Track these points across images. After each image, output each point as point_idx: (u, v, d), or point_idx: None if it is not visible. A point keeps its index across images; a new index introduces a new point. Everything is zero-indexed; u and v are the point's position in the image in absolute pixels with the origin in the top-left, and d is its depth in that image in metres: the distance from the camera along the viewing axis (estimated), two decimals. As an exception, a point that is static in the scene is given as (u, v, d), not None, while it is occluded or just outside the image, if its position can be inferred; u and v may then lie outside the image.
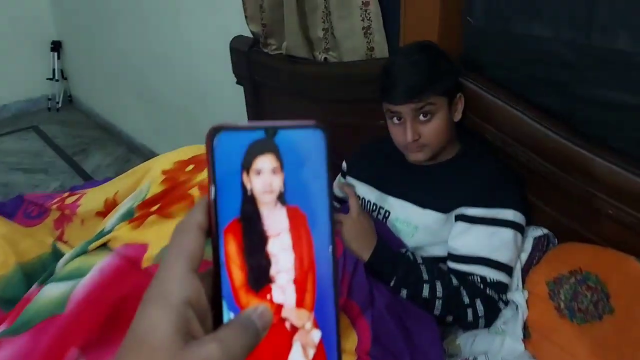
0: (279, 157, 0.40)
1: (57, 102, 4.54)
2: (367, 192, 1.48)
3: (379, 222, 1.37)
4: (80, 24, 4.02)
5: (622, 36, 1.24)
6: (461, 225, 1.30)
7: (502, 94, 1.40)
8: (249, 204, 0.39)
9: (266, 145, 0.39)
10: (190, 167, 1.17)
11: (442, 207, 1.32)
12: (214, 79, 2.62)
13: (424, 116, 1.30)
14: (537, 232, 1.37)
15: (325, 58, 1.91)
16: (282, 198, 0.40)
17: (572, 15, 1.32)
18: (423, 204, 1.35)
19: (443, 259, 1.34)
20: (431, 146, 1.34)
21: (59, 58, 4.47)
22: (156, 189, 1.13)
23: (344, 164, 1.63)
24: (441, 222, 1.33)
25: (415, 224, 1.35)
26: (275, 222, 0.40)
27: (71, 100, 4.66)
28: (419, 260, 1.26)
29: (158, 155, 3.34)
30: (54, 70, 4.46)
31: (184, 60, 2.86)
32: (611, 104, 1.30)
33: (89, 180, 1.66)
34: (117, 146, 3.86)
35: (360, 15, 1.74)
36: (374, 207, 1.45)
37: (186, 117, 3.09)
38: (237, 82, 2.31)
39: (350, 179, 1.56)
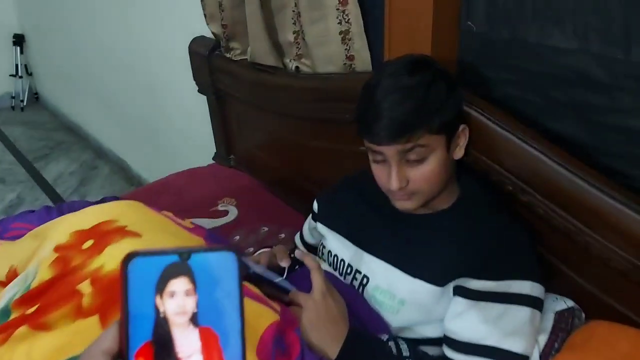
0: (192, 280, 0.41)
1: (22, 101, 4.20)
2: (339, 247, 1.17)
3: (351, 293, 1.06)
4: (43, 16, 3.67)
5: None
6: (461, 302, 0.99)
7: (512, 124, 1.08)
8: (162, 326, 0.41)
9: (180, 268, 0.41)
10: (89, 243, 0.87)
11: (438, 277, 1.01)
12: (174, 87, 2.29)
13: (414, 159, 0.99)
14: (559, 304, 1.06)
15: (297, 67, 1.59)
16: (195, 319, 0.41)
17: (605, 22, 1.00)
18: (413, 272, 1.04)
19: (437, 341, 1.04)
20: (422, 194, 1.03)
21: (22, 53, 4.12)
22: (44, 274, 0.83)
23: (315, 203, 1.32)
24: (436, 296, 1.02)
25: (402, 298, 1.04)
26: (188, 344, 0.41)
27: (37, 99, 4.32)
28: (405, 353, 0.96)
29: (126, 161, 3.11)
30: (17, 65, 4.12)
31: (142, 64, 2.53)
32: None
33: (24, 214, 1.39)
34: (83, 151, 3.53)
35: (337, 18, 1.42)
36: (348, 269, 1.14)
37: (147, 127, 2.76)
38: (199, 91, 1.99)
39: (321, 227, 1.25)
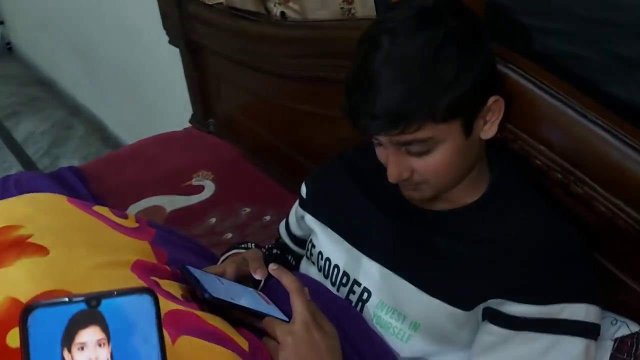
0: (104, 328, 0.38)
1: (-7, 52, 3.87)
2: (332, 247, 0.90)
3: (346, 313, 0.81)
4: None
5: None
6: (496, 331, 0.74)
7: (565, 89, 0.80)
8: None
9: (89, 316, 0.38)
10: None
11: (462, 297, 0.76)
12: (148, 37, 1.97)
13: (416, 151, 0.73)
14: (618, 329, 0.81)
15: (283, 13, 1.29)
16: None
17: None
18: (431, 289, 0.78)
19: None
20: (432, 185, 0.77)
21: (-9, -1, 3.76)
22: None
23: (304, 187, 1.05)
24: (460, 321, 0.77)
25: (415, 321, 0.79)
26: None
27: (10, 49, 3.98)
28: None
29: (102, 120, 2.82)
30: (-14, 13, 3.76)
31: (113, 9, 2.21)
32: None
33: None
34: (56, 109, 3.23)
35: (332, -52, 1.11)
36: (344, 278, 0.87)
37: (125, 82, 2.46)
38: (170, 42, 1.69)
39: (309, 219, 0.99)
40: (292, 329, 0.70)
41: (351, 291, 0.86)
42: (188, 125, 1.82)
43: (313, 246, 0.95)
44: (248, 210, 1.39)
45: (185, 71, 1.71)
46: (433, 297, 0.78)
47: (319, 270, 0.92)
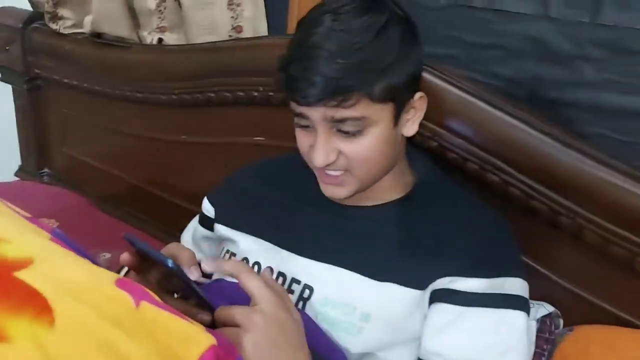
0: None
1: None
2: (260, 252, 0.82)
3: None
4: None
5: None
6: (446, 310, 0.72)
7: (478, 85, 0.88)
8: None
9: None
10: None
11: (415, 277, 0.73)
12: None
13: (347, 132, 0.71)
14: (538, 310, 0.86)
15: (160, 40, 1.23)
16: None
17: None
18: (380, 274, 0.74)
19: (409, 370, 0.75)
20: (358, 176, 0.75)
21: None
22: None
23: (207, 204, 0.95)
24: (412, 306, 0.73)
25: (366, 311, 0.73)
26: None
27: None
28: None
29: None
30: None
31: None
32: (624, 115, 0.88)
33: None
34: None
35: (223, -25, 1.12)
36: (279, 279, 0.79)
37: None
38: (2, 79, 1.47)
39: (224, 229, 0.89)
40: (259, 308, 0.60)
41: (289, 291, 0.77)
42: (14, 179, 1.55)
43: (233, 254, 0.85)
44: (108, 255, 1.20)
45: (19, 113, 1.49)
46: (383, 282, 0.74)
47: (247, 276, 0.82)
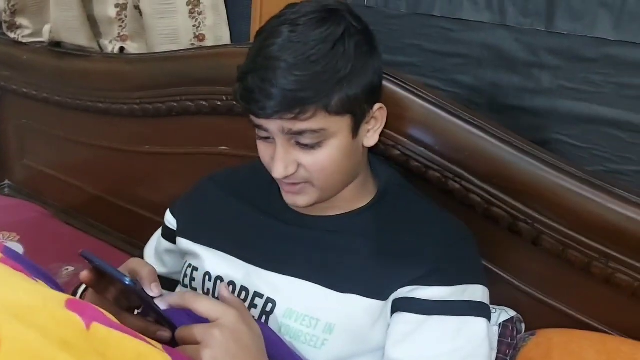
0: None
1: None
2: (222, 266, 0.81)
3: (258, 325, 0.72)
4: None
5: (601, 19, 0.86)
6: (408, 319, 0.73)
7: (438, 95, 0.89)
8: None
9: None
10: None
11: (376, 288, 0.73)
12: None
13: (306, 144, 0.71)
14: (499, 315, 0.87)
15: (122, 48, 1.21)
16: None
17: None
18: (342, 285, 0.74)
19: (373, 380, 0.75)
20: (319, 186, 0.75)
21: None
22: None
23: (169, 216, 0.94)
24: (375, 316, 0.73)
25: (329, 323, 0.73)
26: None
27: None
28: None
29: None
30: None
31: None
32: (580, 121, 0.90)
33: None
34: None
35: (185, -17, 1.11)
36: (242, 294, 0.78)
37: None
38: (-43, 88, 1.43)
39: (186, 243, 0.88)
40: (218, 323, 0.59)
41: (252, 305, 0.77)
42: (-28, 191, 1.52)
43: (195, 269, 0.84)
44: (71, 269, 1.18)
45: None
46: (345, 293, 0.74)
47: (207, 293, 0.81)
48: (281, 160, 0.71)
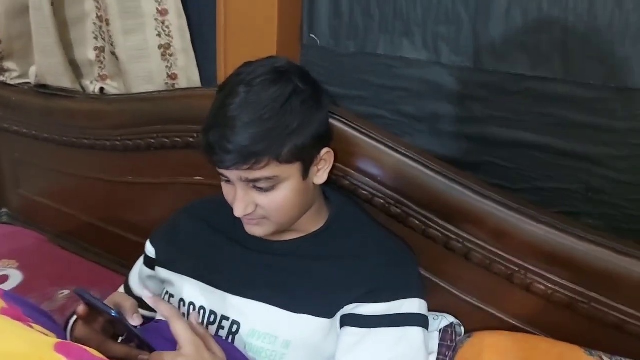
0: None
1: None
2: (194, 293, 0.94)
3: (224, 346, 0.84)
4: None
5: (520, 58, 0.97)
6: (353, 332, 0.85)
7: (379, 132, 1.01)
8: None
9: None
10: None
11: (324, 308, 0.86)
12: None
13: (262, 188, 0.83)
14: (440, 321, 1.00)
15: (102, 89, 1.33)
16: None
17: (453, 32, 1.02)
18: (294, 307, 0.87)
19: (327, 384, 0.88)
20: (275, 222, 0.88)
21: None
22: None
23: (149, 246, 1.06)
24: (324, 331, 0.86)
25: (286, 339, 0.86)
26: None
27: None
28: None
29: None
30: None
31: None
32: (508, 145, 1.02)
33: None
34: None
35: (156, 29, 1.22)
36: (211, 317, 0.91)
37: None
38: (-46, 128, 1.55)
39: (163, 272, 1.00)
40: (182, 352, 0.72)
41: (220, 327, 0.89)
42: (-28, 220, 1.63)
43: (171, 296, 0.96)
44: (66, 292, 1.30)
45: (-28, 159, 1.57)
46: (298, 313, 0.86)
47: (183, 315, 0.93)
48: (241, 201, 0.83)
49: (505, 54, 0.99)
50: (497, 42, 0.99)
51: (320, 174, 0.90)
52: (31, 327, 0.66)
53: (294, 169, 0.84)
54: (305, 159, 0.85)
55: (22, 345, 0.58)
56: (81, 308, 0.79)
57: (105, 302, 0.84)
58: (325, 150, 0.89)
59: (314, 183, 0.90)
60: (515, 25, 0.97)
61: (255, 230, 0.89)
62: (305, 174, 0.86)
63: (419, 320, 0.88)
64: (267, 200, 0.84)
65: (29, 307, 0.82)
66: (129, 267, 1.15)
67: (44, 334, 0.66)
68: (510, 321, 0.96)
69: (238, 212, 0.84)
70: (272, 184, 0.83)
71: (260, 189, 0.83)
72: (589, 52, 0.92)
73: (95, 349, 0.66)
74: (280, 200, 0.84)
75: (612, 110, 0.94)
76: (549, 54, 0.95)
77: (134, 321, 0.80)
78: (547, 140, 0.99)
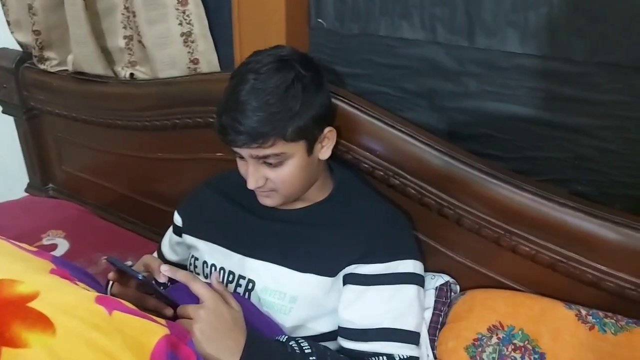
0: None
1: None
2: (216, 256, 1.07)
3: (237, 300, 0.96)
4: None
5: (510, 36, 1.04)
6: (353, 289, 0.97)
7: (378, 110, 1.11)
8: None
9: None
10: None
11: (328, 268, 0.98)
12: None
13: (271, 163, 0.94)
14: (436, 280, 1.10)
15: (132, 74, 1.45)
16: None
17: (449, 12, 1.09)
18: (301, 267, 0.99)
19: (331, 335, 1.00)
20: (283, 194, 0.99)
21: None
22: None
23: (176, 216, 1.19)
24: (327, 288, 0.98)
25: (293, 295, 0.98)
26: None
27: None
28: (307, 350, 0.89)
29: None
30: None
31: None
32: (501, 118, 1.10)
33: None
34: None
35: (177, 18, 1.33)
36: (230, 276, 1.04)
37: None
38: (4, 112, 1.70)
39: (189, 238, 1.13)
40: (204, 305, 0.84)
41: (238, 285, 1.02)
42: (24, 194, 1.80)
43: (196, 259, 1.09)
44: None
45: (22, 139, 1.73)
46: (304, 273, 0.98)
47: (206, 277, 1.06)
48: (252, 175, 0.95)
49: (497, 33, 1.06)
50: (489, 22, 1.06)
51: (324, 151, 1.01)
52: (76, 284, 0.79)
53: (299, 147, 0.94)
54: (309, 138, 0.95)
55: (71, 298, 0.71)
56: (111, 274, 0.93)
57: (137, 263, 0.98)
58: (328, 128, 0.99)
59: (319, 159, 1.00)
60: (505, 5, 1.03)
61: (267, 201, 1.00)
62: (310, 150, 0.96)
63: (414, 279, 0.99)
64: (276, 174, 0.95)
65: (74, 269, 0.95)
66: (161, 234, 1.28)
67: (87, 289, 0.79)
68: (499, 279, 1.06)
69: (250, 185, 0.95)
70: (280, 160, 0.93)
71: (270, 164, 0.94)
72: (574, 29, 0.98)
73: (134, 301, 0.79)
74: (287, 175, 0.95)
75: (597, 84, 1.00)
76: (536, 32, 1.02)
77: (161, 278, 0.93)
78: (537, 113, 1.06)
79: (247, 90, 0.92)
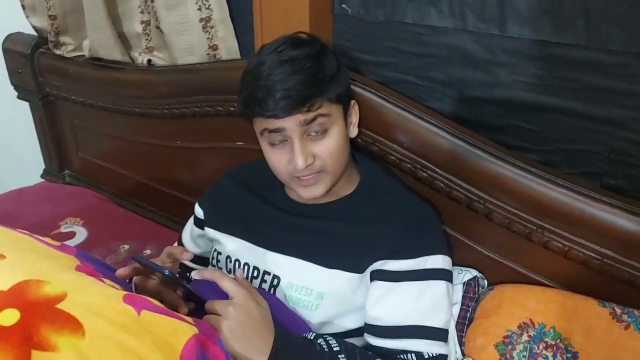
0: None
1: None
2: (239, 250, 1.05)
3: (263, 296, 0.94)
4: None
5: (543, 24, 1.00)
6: (382, 285, 0.94)
7: (405, 100, 1.07)
8: None
9: None
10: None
11: (355, 264, 0.96)
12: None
13: (316, 132, 0.92)
14: (464, 275, 1.08)
15: (150, 60, 1.42)
16: None
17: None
18: (328, 263, 0.97)
19: (358, 331, 0.98)
20: (331, 171, 0.95)
21: None
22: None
23: (198, 208, 1.18)
24: (354, 285, 0.96)
25: (320, 291, 0.96)
26: None
27: None
28: (336, 347, 0.88)
29: None
30: None
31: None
32: (532, 109, 1.06)
33: None
34: None
35: (196, 3, 1.29)
36: (254, 272, 1.02)
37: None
38: (19, 97, 1.68)
39: (211, 232, 1.11)
40: (232, 302, 0.83)
41: (263, 281, 1.00)
42: (40, 180, 1.79)
43: (219, 253, 1.07)
44: (127, 247, 1.44)
45: (37, 125, 1.71)
46: (331, 269, 0.96)
47: (229, 272, 1.04)
48: (300, 152, 0.91)
49: (529, 21, 1.02)
50: (521, 9, 1.02)
51: (352, 128, 1.00)
52: (102, 281, 0.78)
53: (340, 112, 0.94)
54: (345, 104, 0.95)
55: (99, 298, 0.70)
56: (128, 271, 0.92)
57: (160, 255, 0.97)
58: (352, 102, 1.00)
59: (348, 136, 0.98)
60: (539, -8, 0.99)
61: (313, 190, 0.95)
62: (345, 120, 0.96)
63: (442, 275, 0.96)
64: (323, 147, 0.92)
65: (98, 264, 0.94)
66: (180, 223, 1.27)
67: (113, 287, 0.77)
68: (530, 275, 1.03)
69: (300, 164, 0.90)
70: (325, 126, 0.91)
71: (315, 134, 0.91)
72: (610, 18, 0.94)
73: (154, 294, 0.78)
74: (333, 146, 0.93)
75: (633, 74, 0.96)
76: (571, 20, 0.98)
77: (184, 257, 0.93)
78: (570, 104, 1.03)
79: (277, 61, 0.90)
